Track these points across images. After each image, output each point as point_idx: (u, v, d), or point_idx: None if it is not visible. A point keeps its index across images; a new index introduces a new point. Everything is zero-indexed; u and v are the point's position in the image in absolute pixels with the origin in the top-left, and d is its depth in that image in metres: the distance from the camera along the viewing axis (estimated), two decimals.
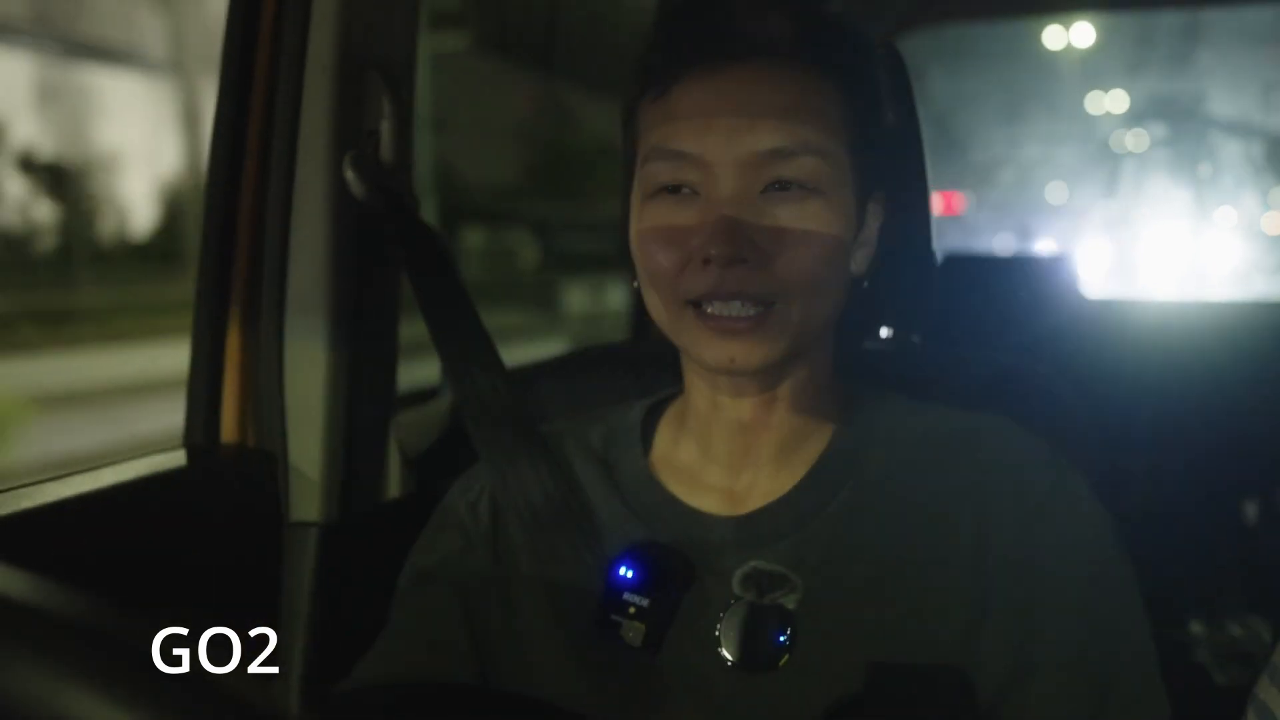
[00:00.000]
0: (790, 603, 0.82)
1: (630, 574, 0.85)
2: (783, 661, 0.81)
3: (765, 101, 0.79)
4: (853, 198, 0.82)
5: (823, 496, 0.86)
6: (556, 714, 0.85)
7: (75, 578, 0.38)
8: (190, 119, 10.13)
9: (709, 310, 0.79)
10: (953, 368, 1.11)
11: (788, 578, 0.83)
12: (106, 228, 11.01)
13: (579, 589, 0.87)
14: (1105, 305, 2.57)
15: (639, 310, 0.93)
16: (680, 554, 0.85)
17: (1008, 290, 2.13)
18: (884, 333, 1.13)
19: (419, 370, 1.43)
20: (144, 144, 11.15)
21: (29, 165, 10.45)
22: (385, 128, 1.18)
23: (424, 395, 1.47)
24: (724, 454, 0.88)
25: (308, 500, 1.19)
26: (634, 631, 0.83)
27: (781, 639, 0.81)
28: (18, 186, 10.16)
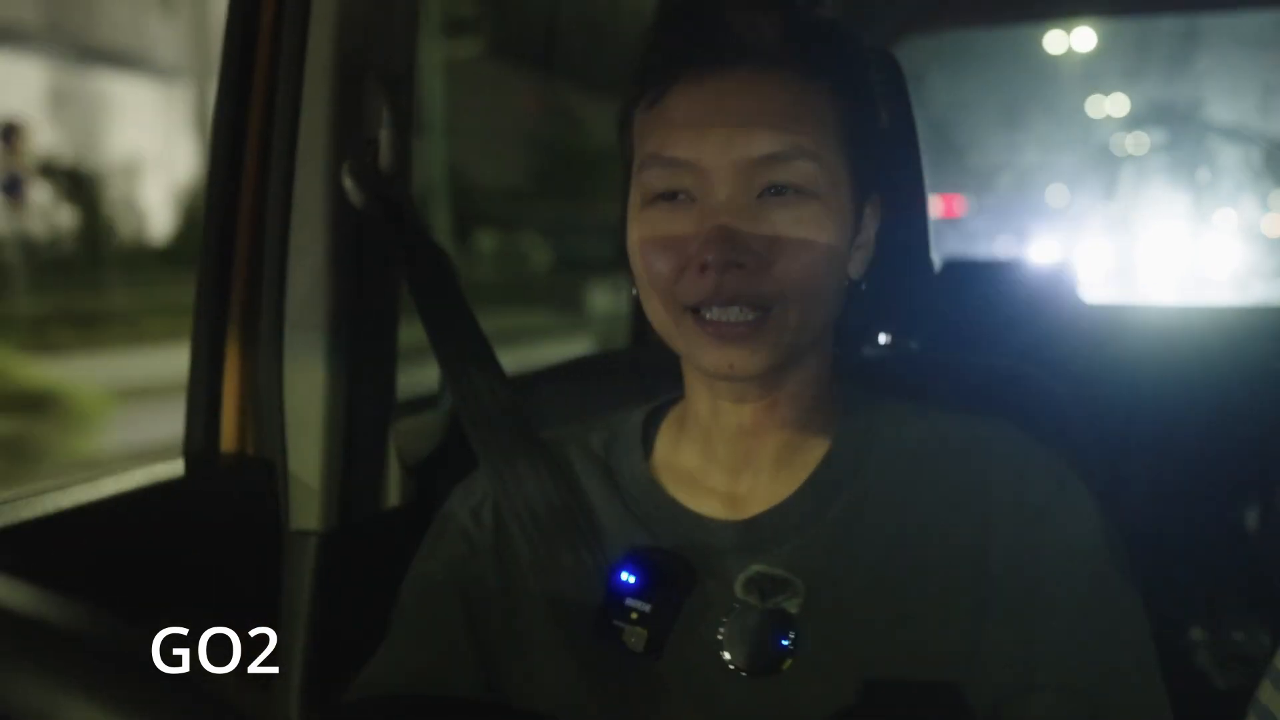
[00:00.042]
0: (793, 607, 0.82)
1: (632, 579, 0.85)
2: (786, 665, 0.81)
3: (759, 107, 0.79)
4: (849, 201, 0.82)
5: (824, 501, 0.86)
6: None
7: (76, 588, 0.38)
8: (205, 124, 10.24)
9: (707, 316, 0.80)
10: (951, 373, 1.11)
11: (790, 582, 0.83)
12: (127, 231, 11.12)
13: (581, 594, 0.87)
14: (1105, 310, 2.56)
15: (638, 315, 0.93)
16: (682, 559, 0.86)
17: (1007, 296, 2.13)
18: (882, 339, 1.14)
19: (419, 373, 1.43)
20: (161, 149, 11.23)
21: (50, 170, 10.58)
22: (384, 135, 1.18)
23: (423, 403, 1.47)
24: (725, 458, 0.88)
25: (307, 508, 1.19)
26: (636, 637, 0.84)
27: (784, 643, 0.81)
28: (41, 192, 10.30)
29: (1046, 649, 0.81)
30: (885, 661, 0.81)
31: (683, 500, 0.89)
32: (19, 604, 0.36)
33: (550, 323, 9.48)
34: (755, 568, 0.84)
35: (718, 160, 0.79)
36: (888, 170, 0.90)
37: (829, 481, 0.86)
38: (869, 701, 0.80)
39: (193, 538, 1.11)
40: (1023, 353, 1.17)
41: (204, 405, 1.22)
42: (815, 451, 0.88)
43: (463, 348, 1.01)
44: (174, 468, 1.18)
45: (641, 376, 1.13)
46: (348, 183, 1.10)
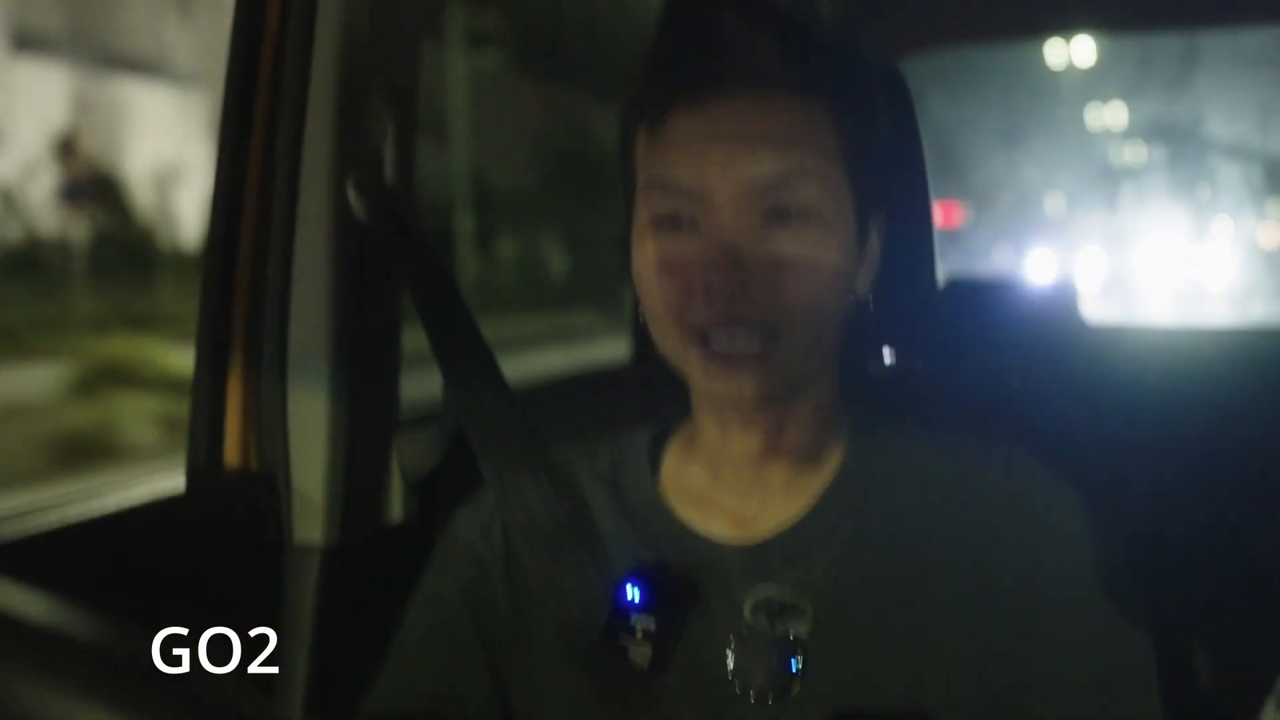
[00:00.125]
0: (801, 631, 0.82)
1: (637, 596, 0.84)
2: (795, 691, 0.81)
3: (760, 130, 0.79)
4: (853, 221, 0.82)
5: (832, 524, 0.85)
6: None
7: (78, 601, 0.38)
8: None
9: (715, 347, 0.79)
10: (956, 393, 1.11)
11: (798, 606, 0.83)
12: (163, 236, 11.24)
13: (586, 611, 0.86)
14: (1109, 331, 2.56)
15: (639, 332, 0.93)
16: (686, 576, 0.85)
17: (1010, 316, 2.13)
18: (887, 359, 1.13)
19: (421, 385, 1.43)
20: (192, 155, 11.30)
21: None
22: (388, 149, 1.18)
23: (426, 418, 1.47)
24: (733, 481, 0.88)
25: (310, 523, 1.18)
26: (641, 654, 0.83)
27: (793, 668, 0.81)
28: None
29: (1051, 670, 0.80)
30: (893, 683, 0.81)
31: (691, 522, 0.88)
32: (19, 606, 0.36)
33: (590, 322, 9.47)
34: (764, 591, 0.83)
35: (720, 185, 0.78)
36: (892, 186, 0.90)
37: (837, 504, 0.86)
38: None
39: (195, 553, 1.11)
40: (1027, 372, 1.17)
41: (207, 420, 1.22)
42: (823, 474, 0.87)
43: (467, 362, 1.00)
44: (177, 483, 1.18)
45: (644, 393, 1.12)
46: (352, 196, 1.10)
